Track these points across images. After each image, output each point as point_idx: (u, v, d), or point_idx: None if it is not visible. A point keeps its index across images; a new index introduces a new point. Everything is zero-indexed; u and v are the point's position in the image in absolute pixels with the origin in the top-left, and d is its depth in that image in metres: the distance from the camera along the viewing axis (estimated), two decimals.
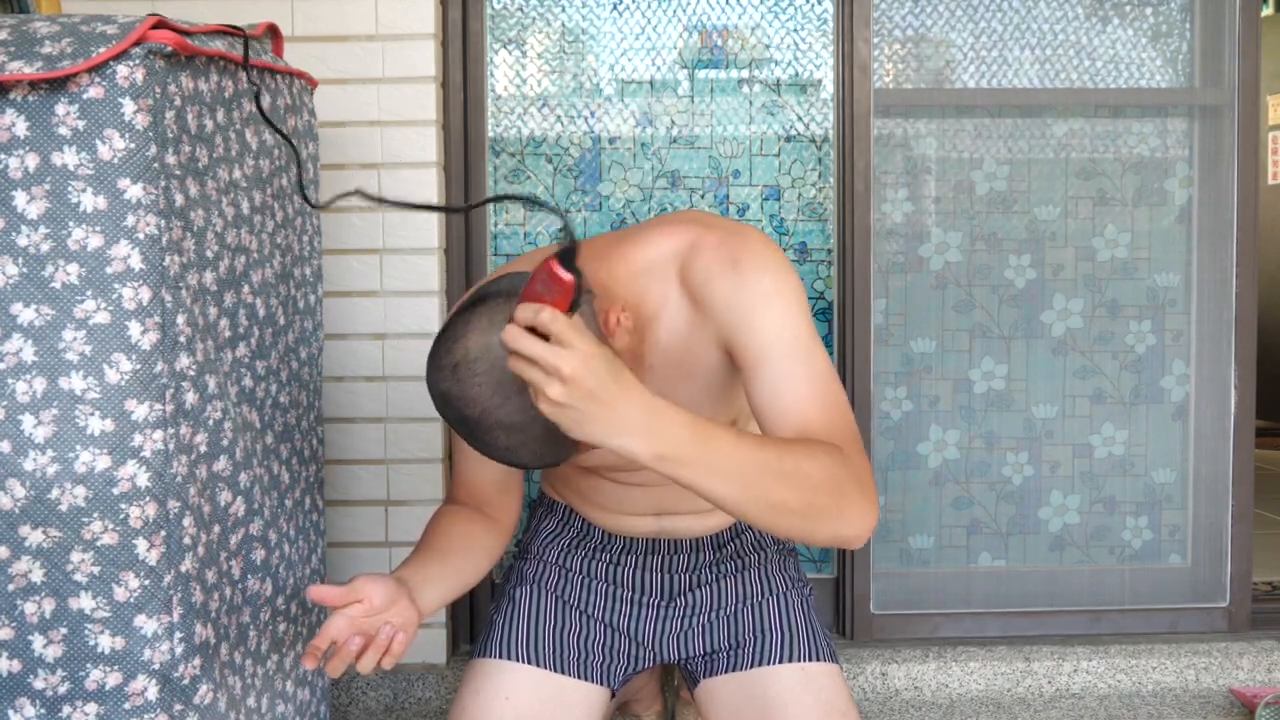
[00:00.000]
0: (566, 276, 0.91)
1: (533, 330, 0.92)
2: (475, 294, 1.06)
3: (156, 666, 1.05)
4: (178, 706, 1.07)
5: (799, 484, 1.01)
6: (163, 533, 1.05)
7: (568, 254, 0.92)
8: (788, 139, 2.03)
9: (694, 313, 1.19)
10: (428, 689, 1.89)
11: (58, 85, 1.00)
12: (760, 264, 1.17)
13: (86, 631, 1.04)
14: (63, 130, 1.01)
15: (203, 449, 1.12)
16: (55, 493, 1.02)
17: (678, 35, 2.03)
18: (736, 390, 1.28)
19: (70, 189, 1.01)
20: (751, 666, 1.37)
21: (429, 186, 1.86)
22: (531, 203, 0.96)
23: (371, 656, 1.09)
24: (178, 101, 1.06)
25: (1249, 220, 2.03)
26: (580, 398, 0.92)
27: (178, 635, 1.06)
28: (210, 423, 1.13)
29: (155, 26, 1.04)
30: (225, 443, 1.17)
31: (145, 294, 1.03)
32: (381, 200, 1.00)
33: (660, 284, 1.20)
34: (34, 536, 1.03)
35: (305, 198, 1.27)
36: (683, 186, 2.03)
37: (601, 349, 0.93)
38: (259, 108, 1.24)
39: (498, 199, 1.00)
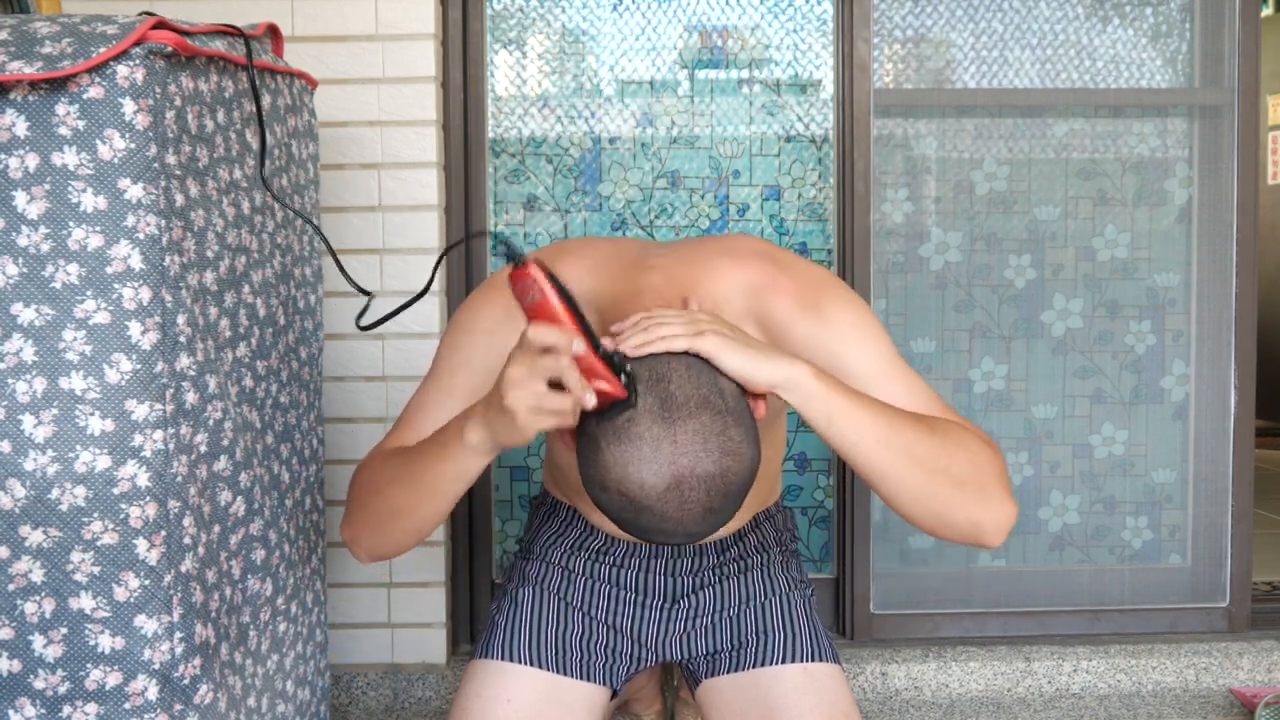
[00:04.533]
0: (545, 288, 0.93)
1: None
2: (674, 399, 0.95)
3: (156, 666, 1.05)
4: (178, 706, 1.07)
5: (938, 446, 1.03)
6: (163, 533, 1.05)
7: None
8: (788, 139, 2.03)
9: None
10: (428, 689, 1.89)
11: (58, 85, 1.00)
12: (840, 303, 1.17)
13: (86, 631, 1.04)
14: (63, 130, 1.01)
15: (203, 449, 1.12)
16: (55, 493, 1.02)
17: (678, 35, 2.03)
18: (774, 432, 1.34)
19: (70, 189, 1.01)
20: (754, 667, 1.37)
21: (429, 187, 1.86)
22: None
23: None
24: (178, 101, 1.06)
25: (1249, 220, 2.03)
26: (729, 329, 0.99)
27: (178, 635, 1.06)
28: (210, 423, 1.13)
29: (155, 26, 1.04)
30: (225, 443, 1.17)
31: (145, 294, 1.03)
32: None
33: (728, 318, 1.19)
34: (34, 536, 1.03)
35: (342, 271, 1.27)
36: (683, 186, 2.03)
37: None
38: (266, 183, 1.23)
39: None
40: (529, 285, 0.92)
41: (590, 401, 0.93)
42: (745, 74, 2.03)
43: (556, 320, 0.92)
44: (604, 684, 1.39)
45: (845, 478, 2.02)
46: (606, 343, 0.98)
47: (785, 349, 1.04)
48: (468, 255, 1.97)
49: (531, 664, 1.36)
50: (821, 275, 1.21)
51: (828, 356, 1.14)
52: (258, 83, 1.25)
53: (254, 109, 1.26)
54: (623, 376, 0.94)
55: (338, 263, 1.23)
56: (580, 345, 0.92)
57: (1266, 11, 4.60)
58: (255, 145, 1.27)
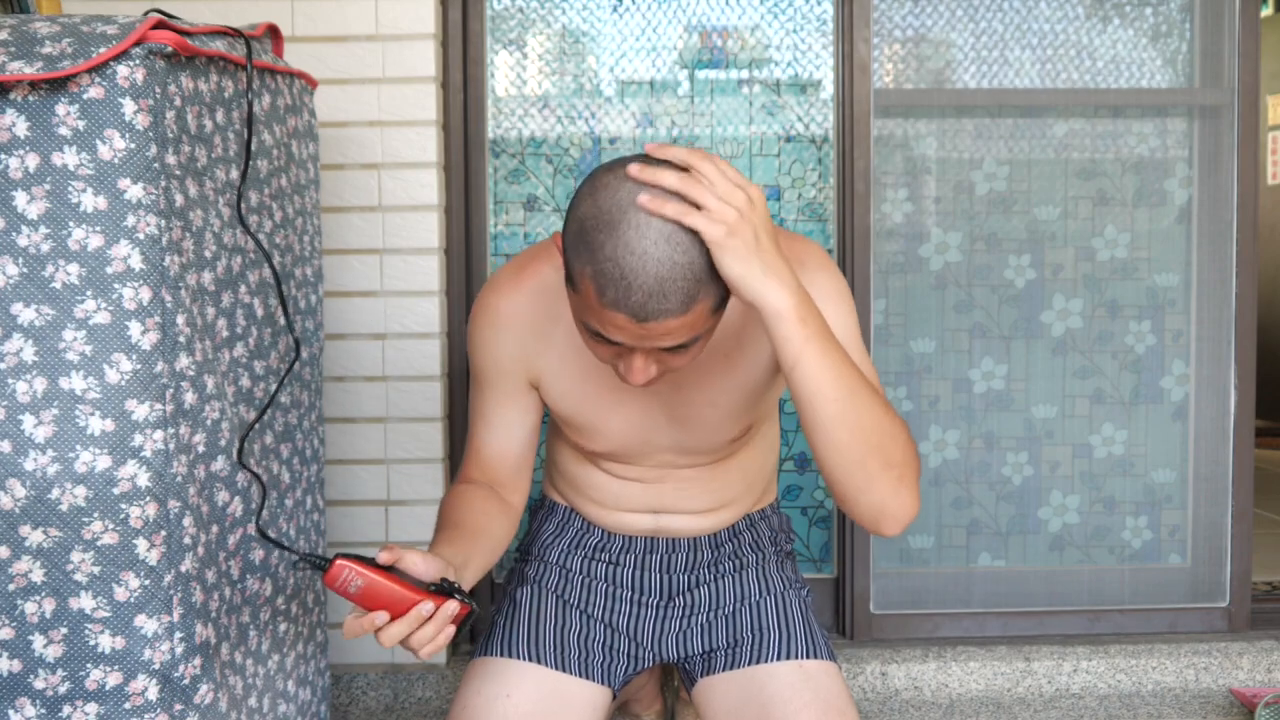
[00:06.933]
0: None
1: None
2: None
3: (157, 666, 1.05)
4: (178, 706, 1.07)
5: (882, 421, 1.07)
6: (163, 532, 1.05)
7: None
8: (788, 139, 2.03)
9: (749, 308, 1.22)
10: (428, 689, 1.89)
11: (58, 85, 1.00)
12: (823, 266, 1.25)
13: (87, 631, 1.04)
14: (63, 130, 1.01)
15: (201, 449, 1.12)
16: (55, 493, 1.02)
17: (678, 36, 2.03)
18: (765, 397, 1.33)
19: (70, 189, 1.01)
20: (749, 664, 1.37)
21: (429, 187, 1.86)
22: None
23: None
24: (178, 102, 1.07)
25: (1249, 220, 2.03)
26: (754, 228, 0.99)
27: (178, 635, 1.06)
28: (208, 423, 1.13)
29: (155, 27, 1.04)
30: (224, 443, 1.17)
31: (145, 294, 1.03)
32: None
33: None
34: (34, 536, 1.03)
35: None
36: None
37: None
38: (239, 199, 1.23)
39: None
40: (347, 578, 1.04)
41: (443, 639, 1.06)
42: (745, 74, 2.03)
43: (385, 594, 1.04)
44: (604, 683, 1.39)
45: None
46: (420, 567, 1.07)
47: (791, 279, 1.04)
48: (468, 255, 1.97)
49: (532, 661, 1.36)
50: (808, 241, 1.29)
51: None
52: (256, 85, 1.25)
53: (254, 110, 1.26)
54: (458, 595, 1.06)
55: (284, 303, 1.23)
56: (427, 606, 1.04)
57: (1266, 11, 4.60)
58: (252, 147, 1.27)
